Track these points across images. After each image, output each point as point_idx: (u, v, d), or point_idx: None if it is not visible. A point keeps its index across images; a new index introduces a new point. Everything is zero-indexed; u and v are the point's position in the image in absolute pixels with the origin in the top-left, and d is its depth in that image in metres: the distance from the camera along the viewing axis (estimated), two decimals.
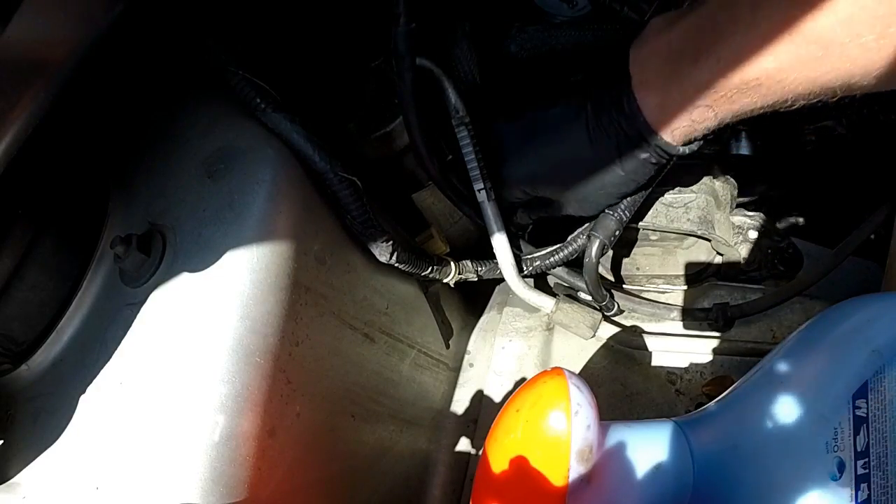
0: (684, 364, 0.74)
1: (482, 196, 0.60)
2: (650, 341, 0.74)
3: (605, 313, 0.72)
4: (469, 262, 0.68)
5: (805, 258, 0.73)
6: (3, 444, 0.49)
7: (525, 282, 0.67)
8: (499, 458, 0.46)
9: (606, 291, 0.70)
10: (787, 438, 0.42)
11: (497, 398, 0.78)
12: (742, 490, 0.44)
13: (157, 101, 0.57)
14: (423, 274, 0.63)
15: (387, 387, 0.63)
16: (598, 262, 0.62)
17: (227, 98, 0.52)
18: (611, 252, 0.79)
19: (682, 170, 0.70)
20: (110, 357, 0.47)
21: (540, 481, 0.44)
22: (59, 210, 0.50)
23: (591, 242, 0.60)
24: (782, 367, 0.44)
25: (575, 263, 0.67)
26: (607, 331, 0.75)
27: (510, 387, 0.78)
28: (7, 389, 0.51)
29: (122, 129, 0.58)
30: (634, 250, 0.77)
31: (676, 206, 0.69)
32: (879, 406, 0.38)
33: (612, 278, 0.79)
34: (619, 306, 0.73)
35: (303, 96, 0.58)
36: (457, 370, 0.82)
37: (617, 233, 0.59)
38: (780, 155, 0.67)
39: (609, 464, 0.46)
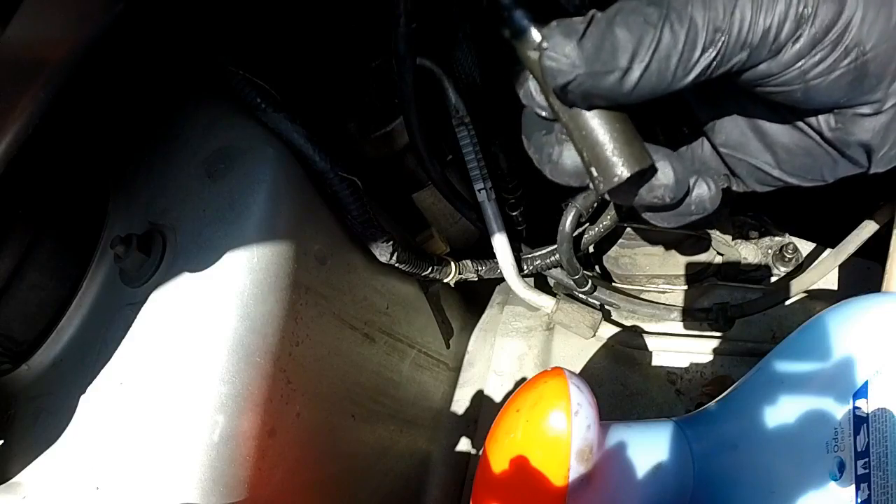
0: (684, 364, 0.74)
1: (482, 196, 0.60)
2: (650, 341, 0.74)
3: (578, 289, 0.70)
4: (469, 262, 0.68)
5: (805, 258, 0.73)
6: (3, 443, 0.49)
7: (525, 281, 0.67)
8: (499, 458, 0.46)
9: (587, 272, 0.68)
10: (787, 438, 0.42)
11: (497, 398, 0.78)
12: (742, 490, 0.44)
13: (157, 102, 0.57)
14: (423, 274, 0.63)
15: (387, 387, 0.63)
16: (572, 231, 0.60)
17: (227, 98, 0.52)
18: (613, 251, 0.79)
19: None
20: (110, 357, 0.47)
21: (540, 481, 0.44)
22: (59, 210, 0.50)
23: (568, 211, 0.59)
24: (782, 367, 0.44)
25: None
26: (607, 331, 0.75)
27: (510, 387, 0.78)
28: (7, 389, 0.51)
29: (122, 129, 0.58)
30: (634, 250, 0.77)
31: None
32: (879, 406, 0.38)
33: (613, 278, 0.79)
34: (592, 283, 0.70)
35: (303, 96, 0.58)
36: (457, 370, 0.82)
37: (594, 204, 0.58)
38: None
39: (609, 464, 0.46)
